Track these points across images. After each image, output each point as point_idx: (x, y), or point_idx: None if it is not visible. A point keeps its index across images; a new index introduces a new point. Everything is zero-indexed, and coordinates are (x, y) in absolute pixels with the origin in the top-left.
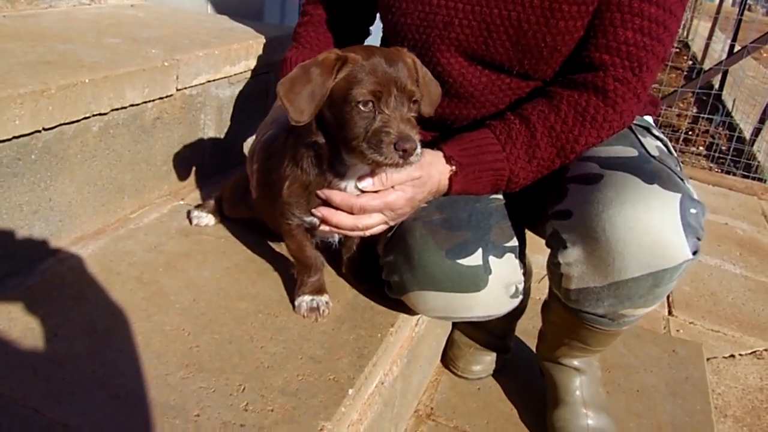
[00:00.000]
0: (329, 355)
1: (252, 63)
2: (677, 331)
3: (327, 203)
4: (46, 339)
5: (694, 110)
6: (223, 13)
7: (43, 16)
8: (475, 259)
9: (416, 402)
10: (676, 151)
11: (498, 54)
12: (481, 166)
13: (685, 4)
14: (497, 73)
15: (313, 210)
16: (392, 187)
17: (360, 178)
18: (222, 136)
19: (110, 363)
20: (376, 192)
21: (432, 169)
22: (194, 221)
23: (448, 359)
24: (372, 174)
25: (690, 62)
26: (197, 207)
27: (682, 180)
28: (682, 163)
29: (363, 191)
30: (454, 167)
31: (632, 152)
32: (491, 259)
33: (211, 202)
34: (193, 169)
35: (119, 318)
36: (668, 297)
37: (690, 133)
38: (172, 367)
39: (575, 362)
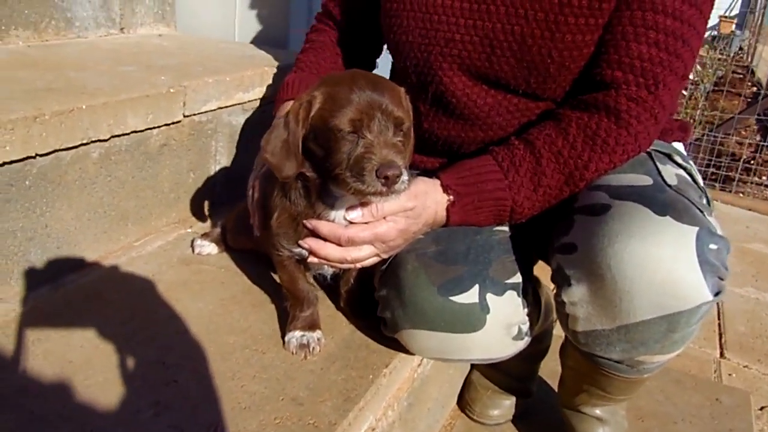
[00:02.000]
0: (313, 396)
1: (267, 90)
2: (729, 375)
3: (316, 234)
4: (20, 369)
5: (757, 138)
6: (250, 41)
7: (68, 46)
8: (470, 296)
9: None
10: (733, 180)
11: (503, 71)
12: (480, 195)
13: (707, 17)
14: (503, 92)
15: (300, 241)
16: (384, 218)
17: (349, 209)
18: (235, 164)
19: (82, 397)
20: (366, 223)
21: (428, 199)
22: (197, 250)
23: (464, 402)
24: (362, 205)
25: (754, 89)
26: (202, 236)
27: (701, 212)
28: (741, 193)
29: (352, 222)
30: (451, 197)
31: (647, 180)
32: (489, 296)
33: (217, 231)
34: (204, 196)
35: (99, 350)
36: (720, 337)
37: (752, 162)
38: (143, 404)
39: (597, 411)
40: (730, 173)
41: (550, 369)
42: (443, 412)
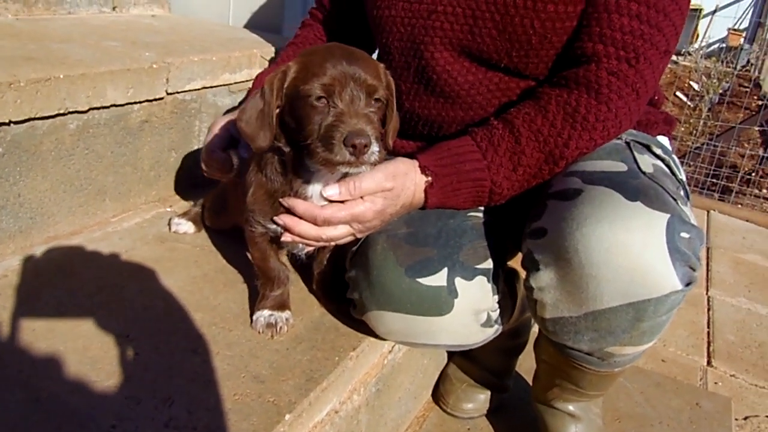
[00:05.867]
0: (275, 375)
1: (255, 72)
2: (715, 383)
3: (292, 212)
4: None
5: (760, 151)
6: (244, 25)
7: (57, 20)
8: (437, 279)
9: None
10: (732, 191)
11: (485, 44)
12: (459, 176)
13: None
14: (485, 69)
15: (275, 218)
16: (362, 197)
17: (326, 186)
18: None
19: (41, 365)
20: (343, 202)
21: (406, 180)
22: (173, 228)
23: (438, 394)
24: (339, 181)
25: (760, 102)
26: (180, 215)
27: (675, 200)
28: (739, 204)
29: (329, 200)
30: (429, 178)
31: (621, 167)
32: (458, 280)
33: (195, 210)
34: (186, 176)
35: (64, 319)
36: (709, 345)
37: (753, 174)
38: (103, 374)
39: (570, 407)
40: (730, 184)
41: (530, 366)
42: (416, 403)
